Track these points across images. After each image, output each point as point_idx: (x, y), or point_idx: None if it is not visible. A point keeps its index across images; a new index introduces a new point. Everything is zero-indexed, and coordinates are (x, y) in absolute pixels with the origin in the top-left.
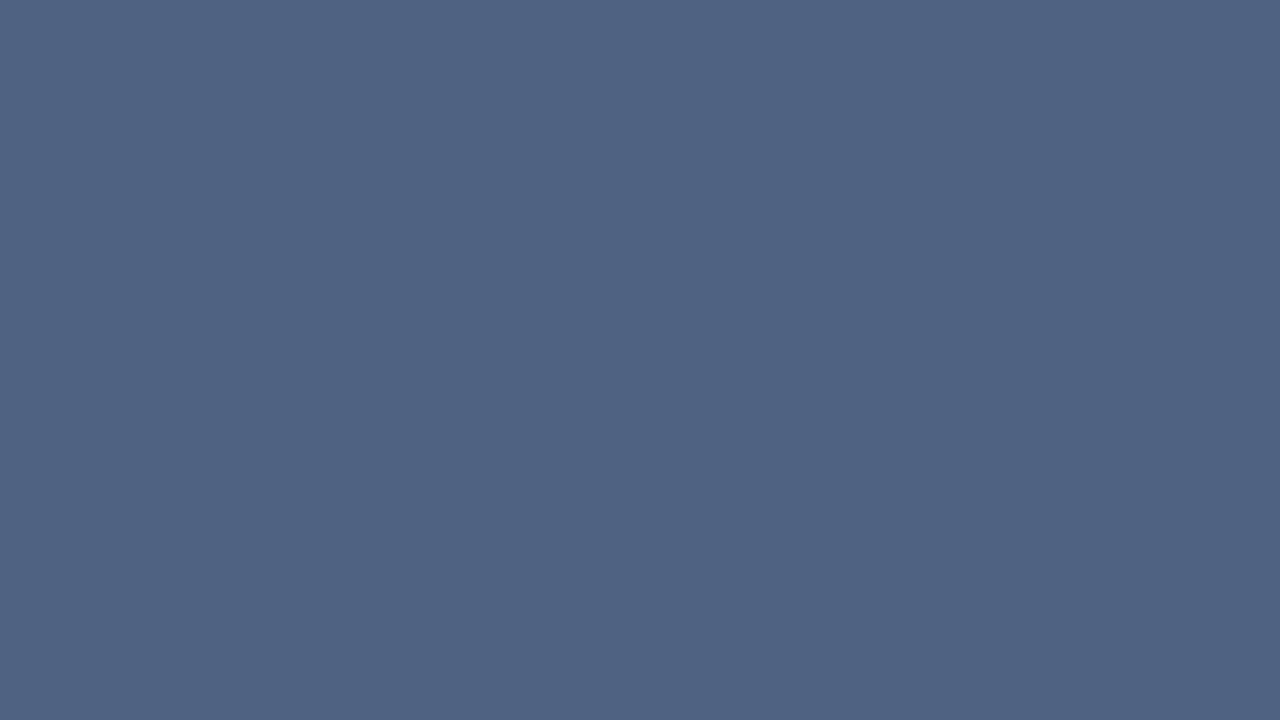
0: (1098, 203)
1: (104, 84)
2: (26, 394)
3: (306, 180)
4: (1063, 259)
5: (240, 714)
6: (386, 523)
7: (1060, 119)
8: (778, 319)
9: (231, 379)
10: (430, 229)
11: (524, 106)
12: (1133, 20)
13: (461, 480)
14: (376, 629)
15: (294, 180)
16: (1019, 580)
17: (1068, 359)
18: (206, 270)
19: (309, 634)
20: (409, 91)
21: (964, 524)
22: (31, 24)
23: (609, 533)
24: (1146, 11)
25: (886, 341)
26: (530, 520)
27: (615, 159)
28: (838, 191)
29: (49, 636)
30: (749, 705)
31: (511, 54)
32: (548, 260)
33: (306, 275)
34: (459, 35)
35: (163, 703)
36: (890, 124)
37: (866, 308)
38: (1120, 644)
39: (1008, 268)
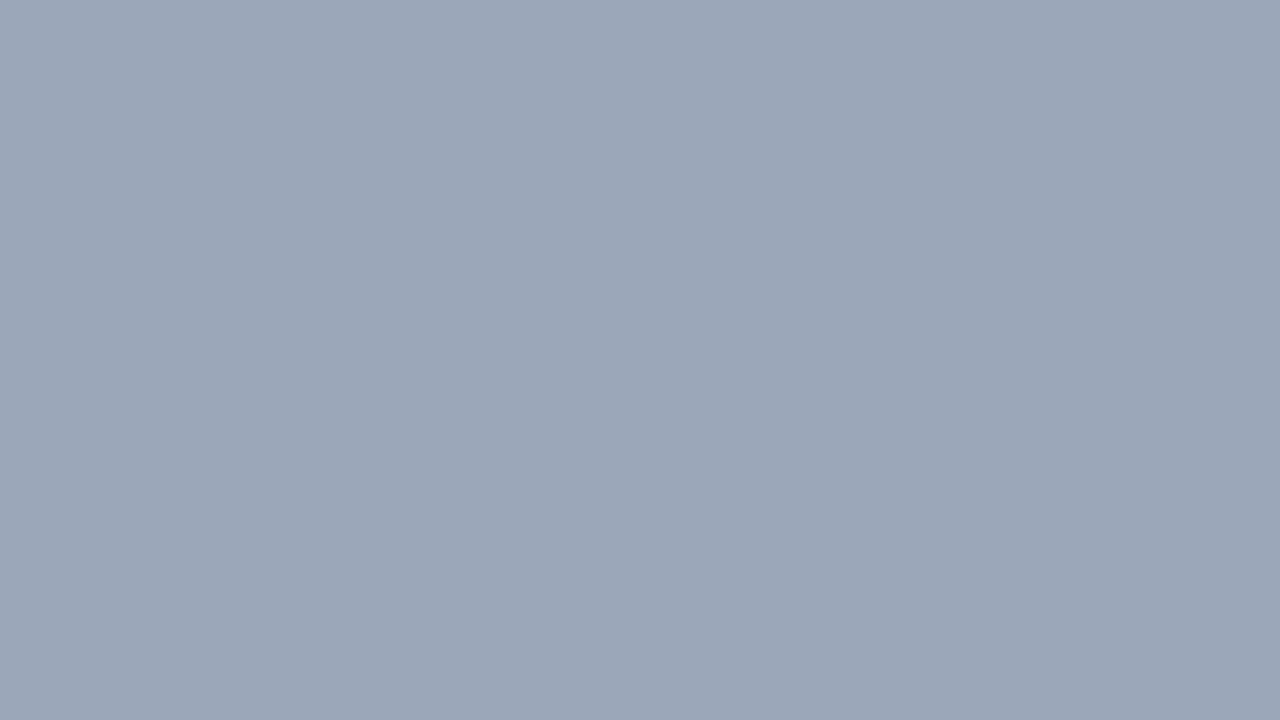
0: (1098, 203)
1: (104, 84)
2: (27, 394)
3: (307, 180)
4: (1063, 259)
5: (240, 714)
6: (387, 523)
7: (1060, 119)
8: (778, 319)
9: (231, 378)
10: (430, 229)
11: (524, 106)
12: (1133, 20)
13: (462, 480)
14: (377, 629)
15: (294, 180)
16: (1019, 580)
17: (1068, 359)
18: (206, 270)
19: (309, 634)
20: (409, 91)
21: (964, 524)
22: (31, 24)
23: (609, 532)
24: (1146, 11)
25: (887, 341)
26: (530, 520)
27: (615, 159)
28: (838, 191)
29: (49, 636)
30: (749, 705)
31: (512, 54)
32: (548, 260)
33: (306, 275)
34: (459, 35)
35: (163, 703)
36: (890, 124)
37: (867, 308)
38: (1120, 644)
39: (1007, 268)
